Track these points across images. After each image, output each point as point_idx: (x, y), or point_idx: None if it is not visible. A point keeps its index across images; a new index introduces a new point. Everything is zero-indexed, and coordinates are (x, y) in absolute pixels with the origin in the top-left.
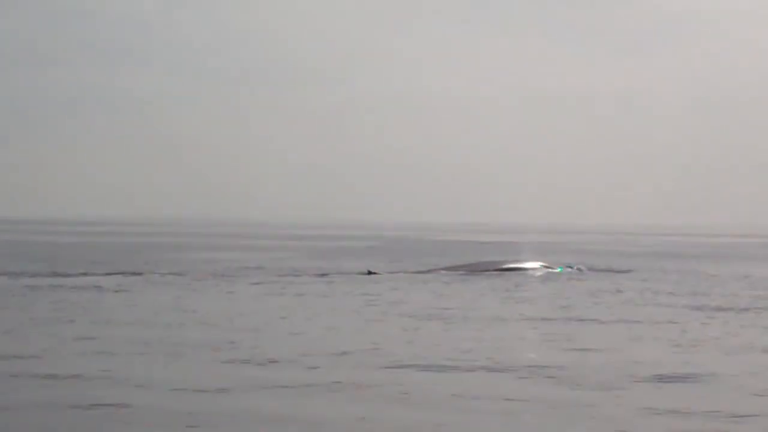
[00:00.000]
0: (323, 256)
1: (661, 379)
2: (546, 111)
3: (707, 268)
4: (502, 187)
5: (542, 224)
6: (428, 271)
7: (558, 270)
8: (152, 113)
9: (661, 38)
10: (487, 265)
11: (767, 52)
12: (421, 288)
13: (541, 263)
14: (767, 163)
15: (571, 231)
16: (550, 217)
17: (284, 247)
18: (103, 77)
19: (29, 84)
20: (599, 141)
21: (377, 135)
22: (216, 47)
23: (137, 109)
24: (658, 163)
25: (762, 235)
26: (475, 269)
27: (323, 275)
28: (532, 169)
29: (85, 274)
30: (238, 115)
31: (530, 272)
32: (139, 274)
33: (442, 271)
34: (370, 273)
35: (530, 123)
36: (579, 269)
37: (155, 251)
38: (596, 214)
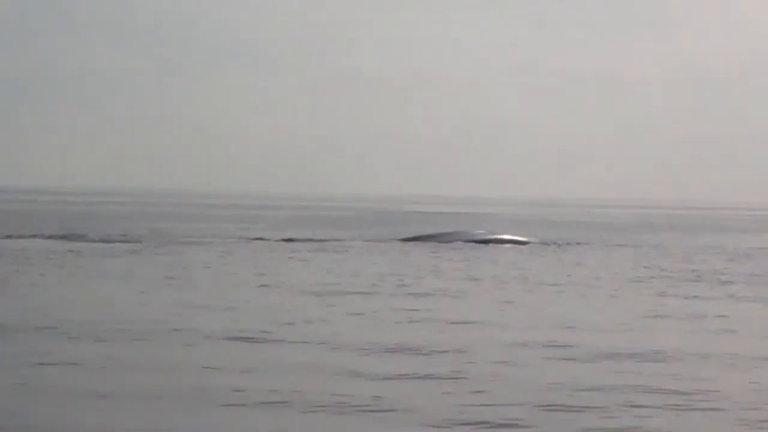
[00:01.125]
0: (291, 224)
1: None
2: (532, 89)
3: (680, 240)
4: (489, 162)
5: (528, 197)
6: (386, 241)
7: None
8: (138, 87)
9: (646, 17)
10: (455, 236)
11: (752, 32)
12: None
13: (516, 236)
14: (752, 140)
15: (554, 204)
16: (537, 191)
17: (258, 217)
18: (85, 52)
19: (11, 57)
20: (584, 118)
21: (365, 110)
22: (200, 22)
23: (127, 84)
24: (642, 140)
25: (744, 209)
26: (442, 240)
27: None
28: (519, 144)
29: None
30: (222, 91)
31: (492, 245)
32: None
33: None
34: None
35: (518, 101)
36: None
37: (129, 220)
38: (581, 188)
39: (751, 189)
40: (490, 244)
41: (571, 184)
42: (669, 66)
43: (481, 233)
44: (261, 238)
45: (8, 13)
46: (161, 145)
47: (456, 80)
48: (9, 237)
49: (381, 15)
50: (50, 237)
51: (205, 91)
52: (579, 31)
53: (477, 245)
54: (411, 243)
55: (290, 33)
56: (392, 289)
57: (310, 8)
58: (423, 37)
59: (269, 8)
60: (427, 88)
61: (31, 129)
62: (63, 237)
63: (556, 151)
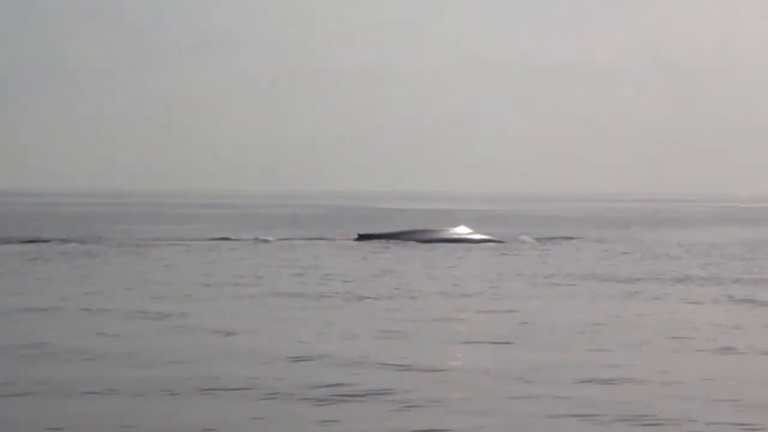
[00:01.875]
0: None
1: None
2: (506, 81)
3: (644, 235)
4: (461, 157)
5: (500, 193)
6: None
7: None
8: (107, 85)
9: (613, 3)
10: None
11: (729, 18)
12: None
13: (488, 236)
14: (732, 129)
15: (532, 200)
16: (511, 186)
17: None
18: (49, 48)
19: None
20: (560, 110)
21: (334, 105)
22: (170, 17)
23: (95, 80)
24: (619, 131)
25: (720, 201)
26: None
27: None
28: (496, 139)
29: None
30: (193, 85)
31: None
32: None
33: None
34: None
35: (492, 93)
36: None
37: (103, 222)
38: (559, 182)
39: (730, 179)
40: (450, 243)
41: (546, 179)
42: (640, 53)
43: (454, 231)
44: (227, 238)
45: None
46: (132, 144)
47: (426, 74)
48: None
49: (349, 6)
50: (7, 240)
51: (173, 88)
52: (548, 20)
53: (440, 244)
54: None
55: (261, 28)
56: (335, 290)
57: (279, 2)
58: (392, 30)
59: (236, 3)
60: (399, 82)
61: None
62: (22, 239)
63: (530, 144)
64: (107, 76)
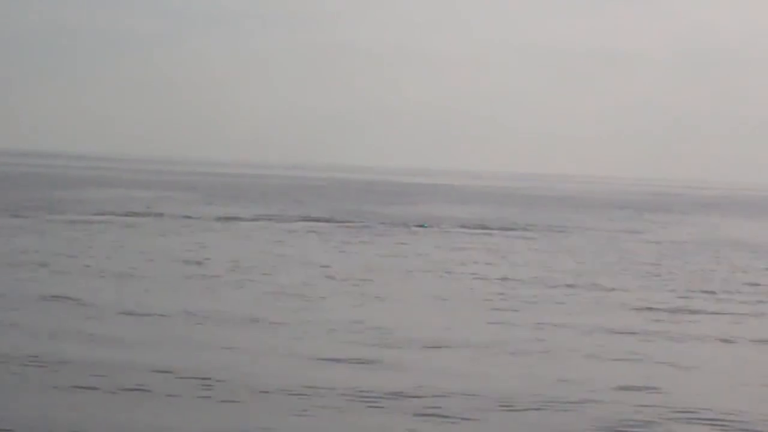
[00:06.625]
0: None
1: None
2: (530, 64)
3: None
4: (490, 140)
5: (521, 172)
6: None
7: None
8: (150, 54)
9: None
10: None
11: (750, 8)
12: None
13: None
14: (749, 118)
15: (535, 179)
16: (535, 167)
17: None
18: (104, 17)
19: (24, 18)
20: (582, 94)
21: (362, 83)
22: None
23: (137, 48)
24: (639, 117)
25: (734, 188)
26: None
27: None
28: (518, 121)
29: None
30: (214, 60)
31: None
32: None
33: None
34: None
35: (516, 77)
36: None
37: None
38: (580, 164)
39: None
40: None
41: (569, 161)
42: (670, 40)
43: None
44: (189, 217)
45: None
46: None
47: (458, 56)
48: None
49: None
50: None
51: (197, 59)
52: (579, 4)
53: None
54: None
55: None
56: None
57: None
58: (424, 12)
59: None
60: (428, 63)
61: None
62: None
63: (556, 126)
64: (141, 44)
